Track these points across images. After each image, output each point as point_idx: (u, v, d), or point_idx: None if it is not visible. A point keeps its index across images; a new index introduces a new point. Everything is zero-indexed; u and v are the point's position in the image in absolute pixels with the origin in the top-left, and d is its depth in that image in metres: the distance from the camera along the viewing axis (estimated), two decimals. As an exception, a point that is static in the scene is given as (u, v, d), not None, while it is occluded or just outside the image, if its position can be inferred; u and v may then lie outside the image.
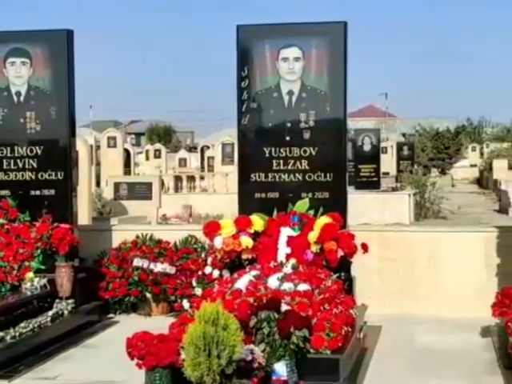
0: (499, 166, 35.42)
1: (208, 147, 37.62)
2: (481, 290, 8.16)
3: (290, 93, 7.80)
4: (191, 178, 26.87)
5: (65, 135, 8.56)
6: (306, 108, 7.75)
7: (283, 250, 7.30)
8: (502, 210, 23.84)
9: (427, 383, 6.18)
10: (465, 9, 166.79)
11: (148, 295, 8.73)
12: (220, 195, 22.95)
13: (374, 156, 26.16)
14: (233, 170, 22.23)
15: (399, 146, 35.39)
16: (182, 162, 38.01)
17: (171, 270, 8.64)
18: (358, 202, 18.26)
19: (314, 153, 7.76)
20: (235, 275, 6.93)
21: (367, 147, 26.23)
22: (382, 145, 34.43)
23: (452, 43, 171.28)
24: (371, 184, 24.96)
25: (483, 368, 6.58)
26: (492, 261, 8.36)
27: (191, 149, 55.92)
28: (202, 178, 27.61)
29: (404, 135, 58.67)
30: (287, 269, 6.87)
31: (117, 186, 17.83)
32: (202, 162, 35.01)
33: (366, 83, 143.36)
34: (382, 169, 28.18)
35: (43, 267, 8.04)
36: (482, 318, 7.50)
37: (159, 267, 8.65)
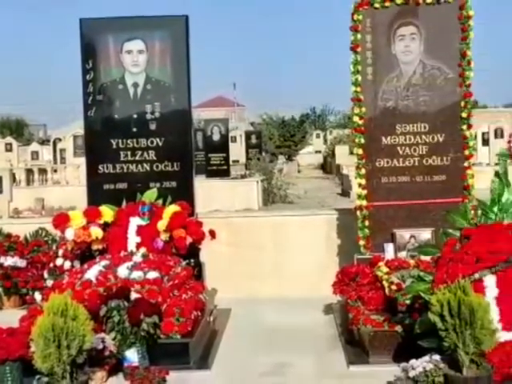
0: (341, 151, 36.30)
1: (60, 139, 36.83)
2: (323, 269, 8.47)
3: (135, 85, 7.90)
4: (43, 171, 26.38)
5: None
6: (152, 100, 7.88)
7: (133, 239, 7.41)
8: (344, 193, 24.76)
9: (275, 361, 6.42)
10: None
11: (-2, 289, 8.64)
12: (73, 187, 22.70)
13: (224, 145, 26.64)
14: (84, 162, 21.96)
15: (247, 135, 36.03)
16: (35, 155, 36.99)
17: (22, 263, 8.58)
18: (209, 189, 18.63)
19: (160, 143, 7.89)
20: (85, 266, 6.99)
21: (216, 137, 26.69)
22: (232, 134, 34.88)
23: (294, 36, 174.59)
24: (221, 172, 25.42)
25: (326, 343, 6.92)
26: (333, 241, 8.77)
27: (44, 141, 54.45)
28: (54, 170, 27.13)
29: (252, 124, 59.43)
30: (137, 257, 6.99)
31: (-36, 181, 17.31)
32: (55, 155, 34.30)
33: (216, 75, 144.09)
34: (232, 157, 28.68)
35: None
36: (325, 297, 7.83)
37: (9, 261, 8.58)
